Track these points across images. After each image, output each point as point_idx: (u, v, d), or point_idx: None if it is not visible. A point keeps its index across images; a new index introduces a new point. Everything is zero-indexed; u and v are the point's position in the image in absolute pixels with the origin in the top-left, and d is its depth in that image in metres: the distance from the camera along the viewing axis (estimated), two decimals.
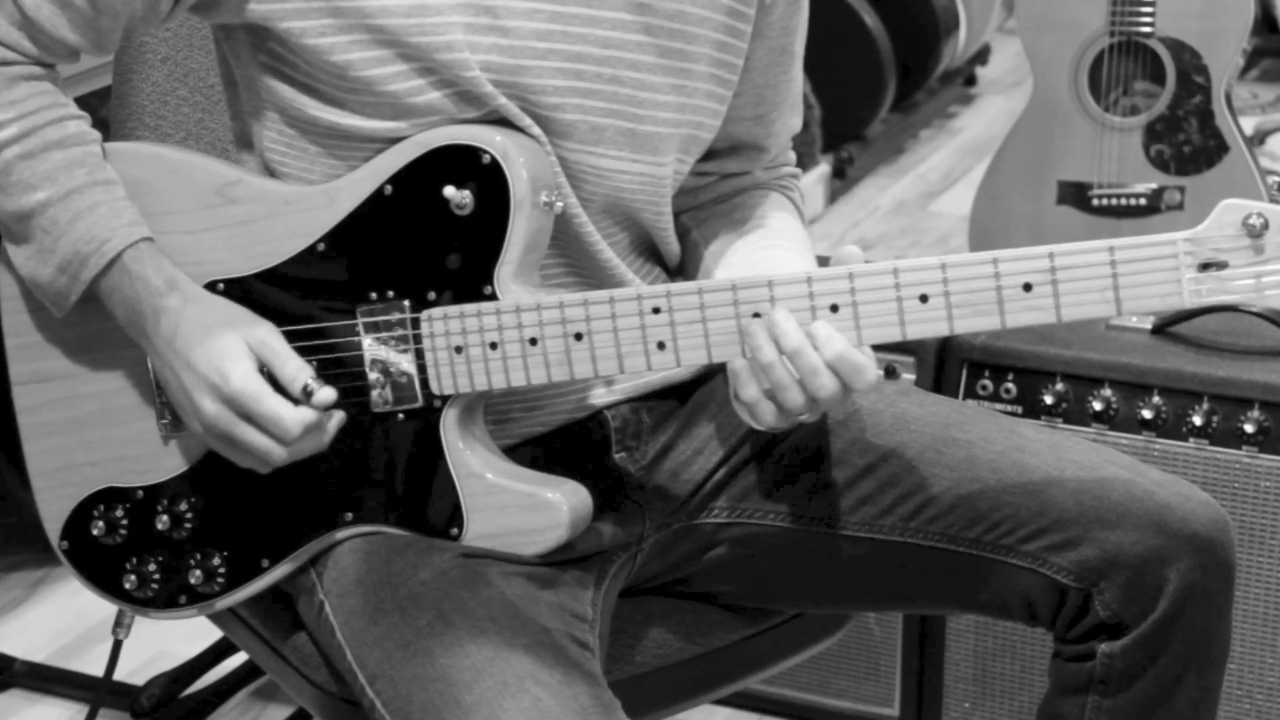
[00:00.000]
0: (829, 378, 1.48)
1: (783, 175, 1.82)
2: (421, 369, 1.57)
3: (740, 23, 1.66)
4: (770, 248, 1.70)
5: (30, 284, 1.61)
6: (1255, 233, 1.42)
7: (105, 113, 1.96)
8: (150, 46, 1.94)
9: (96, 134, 1.61)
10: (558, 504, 1.56)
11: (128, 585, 1.67)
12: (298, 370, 1.55)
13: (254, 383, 1.54)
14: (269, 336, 1.57)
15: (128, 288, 1.57)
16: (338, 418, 1.58)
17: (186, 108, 1.97)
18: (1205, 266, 1.44)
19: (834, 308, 1.49)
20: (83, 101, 1.68)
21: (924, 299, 1.48)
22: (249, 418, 1.54)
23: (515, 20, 1.55)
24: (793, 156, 1.84)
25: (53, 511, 1.69)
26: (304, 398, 1.55)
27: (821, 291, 1.49)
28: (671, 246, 1.72)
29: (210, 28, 1.67)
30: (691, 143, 1.67)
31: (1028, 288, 1.46)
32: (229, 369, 1.54)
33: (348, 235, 1.58)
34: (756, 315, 1.50)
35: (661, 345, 1.53)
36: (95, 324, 1.62)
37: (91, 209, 1.57)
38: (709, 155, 1.75)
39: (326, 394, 1.55)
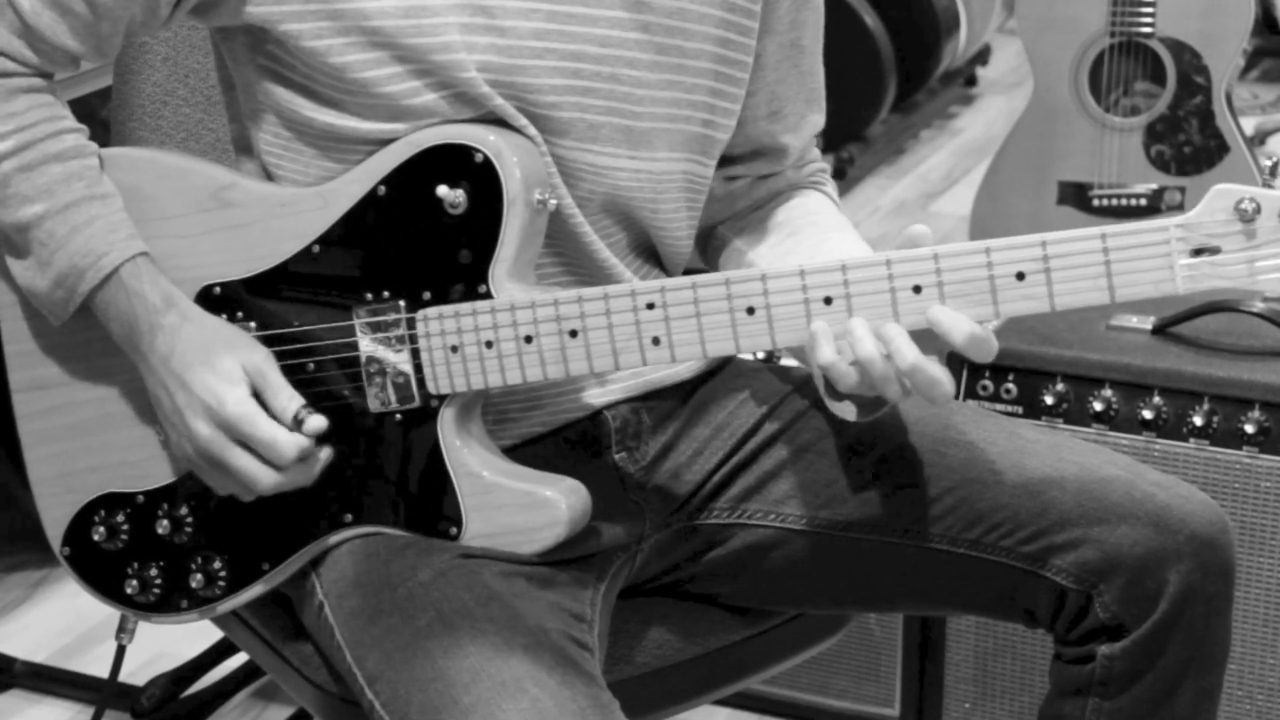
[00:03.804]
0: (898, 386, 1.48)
1: (813, 172, 1.81)
2: (418, 369, 1.57)
3: (745, 19, 1.65)
4: (820, 236, 1.70)
5: (28, 295, 1.61)
6: (1247, 218, 1.41)
7: (105, 113, 1.96)
8: (150, 47, 1.94)
9: (94, 146, 1.61)
10: (556, 502, 1.56)
11: (129, 590, 1.67)
12: (289, 400, 1.56)
13: (250, 407, 1.55)
14: (265, 365, 1.57)
15: (124, 303, 1.57)
16: (328, 452, 1.58)
17: (186, 108, 1.97)
18: (1198, 252, 1.43)
19: (828, 300, 1.48)
20: (83, 102, 1.68)
21: (917, 290, 1.48)
22: (242, 442, 1.55)
23: (512, 20, 1.55)
24: (818, 154, 1.82)
25: (54, 518, 1.69)
26: (295, 427, 1.55)
27: (815, 285, 1.49)
28: (671, 249, 1.71)
29: (209, 30, 1.67)
30: (704, 143, 1.66)
31: (1021, 276, 1.46)
32: (225, 393, 1.54)
33: (342, 236, 1.58)
34: (750, 310, 1.50)
35: (656, 340, 1.52)
36: (94, 331, 1.62)
37: (89, 223, 1.57)
38: (734, 160, 1.74)
39: (317, 421, 1.55)
